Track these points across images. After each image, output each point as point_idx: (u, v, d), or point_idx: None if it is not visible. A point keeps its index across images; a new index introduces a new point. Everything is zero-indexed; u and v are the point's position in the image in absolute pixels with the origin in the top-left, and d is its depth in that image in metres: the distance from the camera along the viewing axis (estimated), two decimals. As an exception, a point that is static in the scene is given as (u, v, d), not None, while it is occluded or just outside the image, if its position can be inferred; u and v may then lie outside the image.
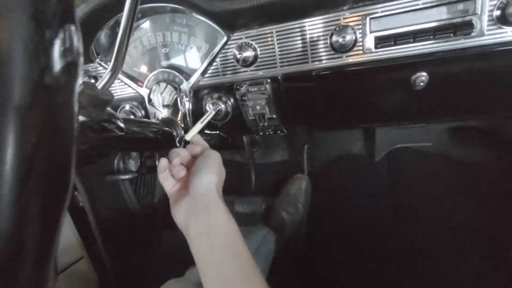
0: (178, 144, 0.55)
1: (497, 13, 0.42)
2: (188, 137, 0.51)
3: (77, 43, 0.18)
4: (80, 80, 0.19)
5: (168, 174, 0.46)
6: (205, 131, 0.68)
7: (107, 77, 0.34)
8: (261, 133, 0.66)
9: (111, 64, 0.34)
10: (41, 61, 0.16)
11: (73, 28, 0.18)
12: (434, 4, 0.44)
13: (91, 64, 0.66)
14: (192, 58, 0.61)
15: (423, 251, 0.90)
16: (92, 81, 0.66)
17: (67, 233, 0.92)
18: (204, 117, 0.56)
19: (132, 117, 0.67)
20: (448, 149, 0.95)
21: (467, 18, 0.43)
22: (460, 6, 0.43)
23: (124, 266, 0.97)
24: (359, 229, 0.99)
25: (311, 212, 1.03)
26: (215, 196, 0.40)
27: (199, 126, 0.53)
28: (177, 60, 0.62)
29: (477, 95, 0.51)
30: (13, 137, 0.15)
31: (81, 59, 0.19)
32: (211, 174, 0.41)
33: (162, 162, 0.45)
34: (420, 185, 0.99)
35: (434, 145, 0.96)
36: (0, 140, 0.15)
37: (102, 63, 0.65)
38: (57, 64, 0.17)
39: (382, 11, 0.46)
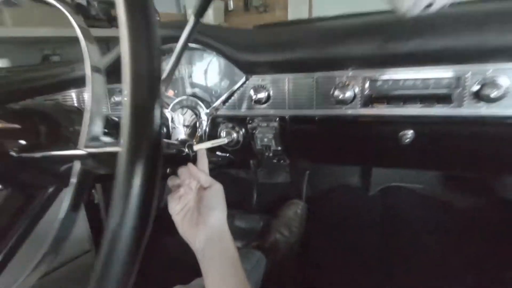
0: (187, 150, 0.59)
1: (474, 89, 0.49)
2: (196, 147, 0.58)
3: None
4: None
5: (177, 195, 0.53)
6: (217, 153, 0.77)
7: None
8: (267, 160, 0.74)
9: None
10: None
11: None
12: (421, 77, 0.52)
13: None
14: (214, 90, 0.70)
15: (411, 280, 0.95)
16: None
17: (80, 227, 1.00)
18: (217, 140, 0.63)
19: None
20: (439, 193, 1.01)
21: (447, 92, 0.51)
22: (443, 81, 0.51)
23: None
24: (350, 258, 1.04)
25: (305, 236, 1.10)
26: (227, 228, 0.52)
27: (209, 144, 0.59)
28: (201, 90, 0.71)
29: (458, 155, 0.58)
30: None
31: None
32: (224, 210, 0.52)
33: (175, 181, 0.54)
34: (409, 224, 1.04)
35: (426, 187, 1.02)
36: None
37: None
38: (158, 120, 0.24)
39: (379, 75, 0.54)
